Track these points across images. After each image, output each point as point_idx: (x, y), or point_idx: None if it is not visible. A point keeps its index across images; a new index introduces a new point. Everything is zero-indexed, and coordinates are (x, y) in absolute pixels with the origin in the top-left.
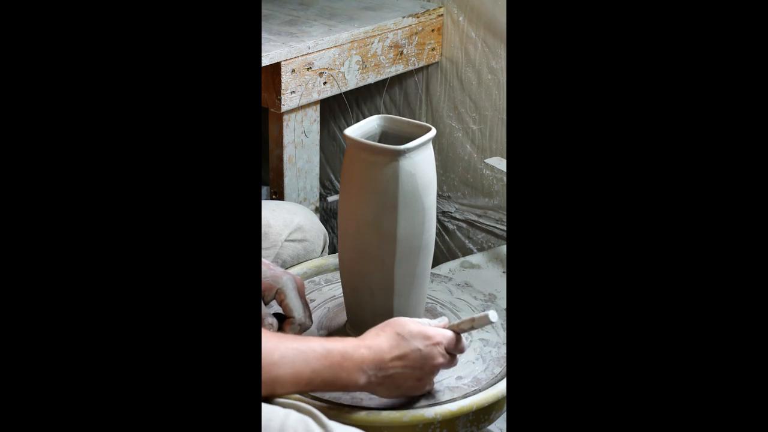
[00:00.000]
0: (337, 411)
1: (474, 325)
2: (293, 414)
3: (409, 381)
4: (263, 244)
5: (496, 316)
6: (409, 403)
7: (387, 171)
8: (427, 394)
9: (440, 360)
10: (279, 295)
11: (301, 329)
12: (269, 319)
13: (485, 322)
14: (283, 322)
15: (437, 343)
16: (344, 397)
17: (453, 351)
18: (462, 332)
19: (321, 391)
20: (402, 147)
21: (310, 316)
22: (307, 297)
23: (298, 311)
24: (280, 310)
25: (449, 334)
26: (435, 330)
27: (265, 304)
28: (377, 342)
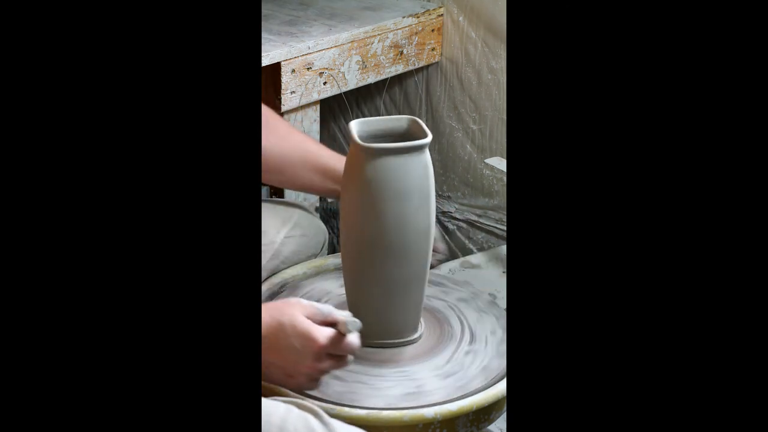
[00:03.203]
0: (336, 410)
1: (340, 329)
2: (294, 410)
3: (277, 373)
4: (262, 241)
5: (355, 324)
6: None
7: (387, 171)
8: (311, 388)
9: (316, 364)
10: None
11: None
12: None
13: (344, 329)
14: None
15: (318, 347)
16: (344, 397)
17: (339, 352)
18: (342, 332)
19: None
20: (400, 146)
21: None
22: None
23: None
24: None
25: (332, 334)
26: (320, 332)
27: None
28: None
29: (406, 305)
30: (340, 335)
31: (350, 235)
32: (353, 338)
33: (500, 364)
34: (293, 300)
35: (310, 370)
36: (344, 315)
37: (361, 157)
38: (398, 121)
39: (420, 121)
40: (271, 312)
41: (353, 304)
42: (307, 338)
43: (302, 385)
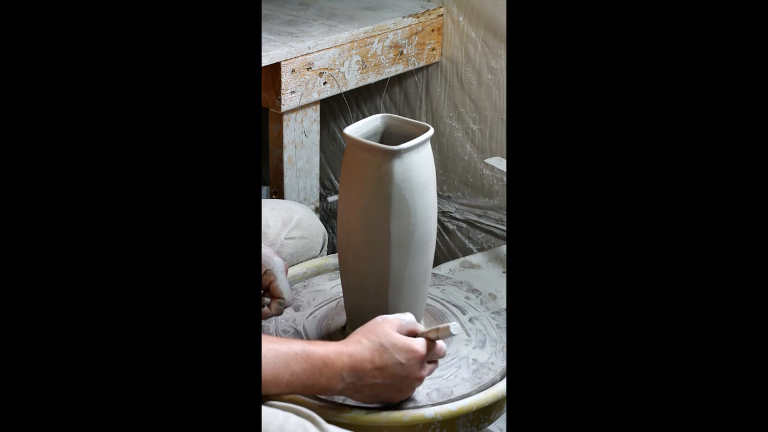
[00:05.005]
0: (336, 411)
1: (438, 335)
2: (292, 417)
3: (387, 391)
4: (263, 243)
5: (458, 328)
6: (395, 405)
7: (385, 170)
8: (406, 400)
9: (421, 373)
10: (268, 276)
11: (284, 308)
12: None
13: (447, 334)
14: (266, 300)
15: (420, 357)
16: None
17: (434, 357)
18: (432, 339)
19: (297, 393)
20: (397, 147)
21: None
22: (309, 297)
23: (287, 294)
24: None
25: (426, 342)
26: (419, 343)
27: None
28: (359, 350)
29: (417, 298)
30: (432, 342)
31: (346, 235)
32: (442, 343)
33: (501, 335)
34: (378, 319)
35: (419, 380)
36: (448, 323)
37: (384, 159)
38: (374, 120)
39: (393, 115)
40: (366, 336)
41: (358, 303)
42: (409, 351)
43: (406, 395)
